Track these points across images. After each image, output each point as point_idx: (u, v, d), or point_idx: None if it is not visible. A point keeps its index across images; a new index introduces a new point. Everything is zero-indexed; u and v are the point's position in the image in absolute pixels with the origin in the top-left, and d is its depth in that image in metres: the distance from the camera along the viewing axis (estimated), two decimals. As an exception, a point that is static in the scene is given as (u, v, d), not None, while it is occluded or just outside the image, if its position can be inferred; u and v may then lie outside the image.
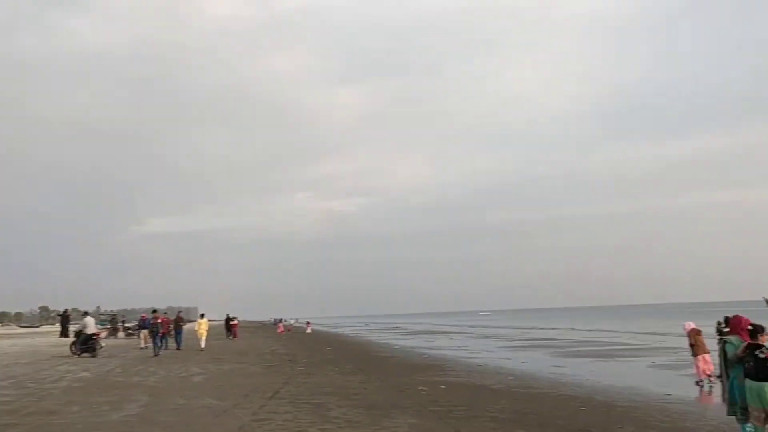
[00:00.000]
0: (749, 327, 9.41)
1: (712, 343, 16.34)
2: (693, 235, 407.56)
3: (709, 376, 17.32)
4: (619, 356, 29.28)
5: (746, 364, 9.19)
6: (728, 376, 9.79)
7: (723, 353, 10.00)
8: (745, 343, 9.35)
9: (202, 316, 37.94)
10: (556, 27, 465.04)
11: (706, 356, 17.63)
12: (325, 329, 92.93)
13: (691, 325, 18.61)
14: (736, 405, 9.57)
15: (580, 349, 35.13)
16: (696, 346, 17.96)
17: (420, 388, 16.88)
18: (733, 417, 9.71)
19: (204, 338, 34.57)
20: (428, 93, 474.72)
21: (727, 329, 18.68)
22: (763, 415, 9.01)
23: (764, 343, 9.15)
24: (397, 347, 40.69)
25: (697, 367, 17.95)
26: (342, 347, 41.21)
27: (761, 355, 8.98)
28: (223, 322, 60.93)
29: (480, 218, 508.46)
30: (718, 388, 16.83)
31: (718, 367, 17.61)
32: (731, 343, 9.73)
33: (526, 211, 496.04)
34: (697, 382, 17.82)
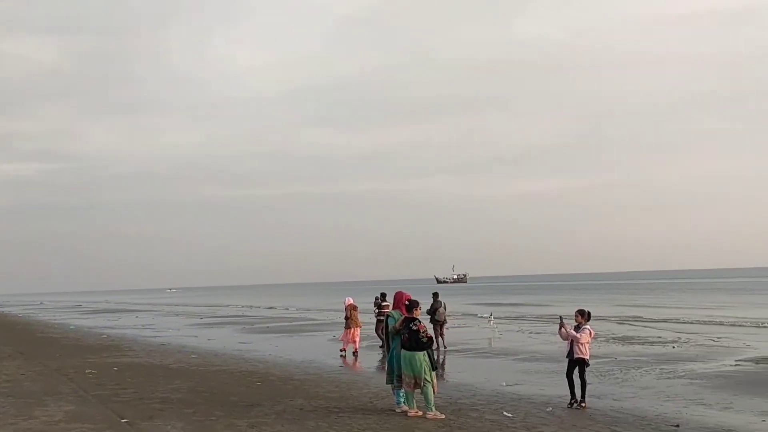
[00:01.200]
0: (407, 302, 10.26)
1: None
2: (379, 218, 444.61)
3: (356, 349, 19.53)
4: (303, 331, 30.45)
5: (403, 336, 10.02)
6: (390, 348, 10.57)
7: (386, 326, 10.76)
8: (403, 317, 10.19)
9: None
10: (269, 8, 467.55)
11: (357, 330, 19.63)
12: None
13: (350, 300, 20.43)
14: (393, 374, 10.39)
15: (269, 325, 35.83)
16: (350, 320, 19.74)
17: (88, 371, 15.48)
18: (391, 384, 10.55)
19: None
20: (126, 56, 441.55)
21: (385, 303, 20.59)
22: (413, 382, 9.92)
23: (418, 317, 10.06)
24: (72, 327, 37.19)
25: (345, 337, 19.91)
26: (3, 328, 36.39)
27: (414, 327, 9.86)
28: None
29: (183, 193, 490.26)
30: (363, 356, 19.07)
31: (365, 340, 19.91)
32: (393, 317, 10.51)
33: (230, 188, 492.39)
34: (341, 350, 19.87)
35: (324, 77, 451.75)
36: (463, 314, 38.66)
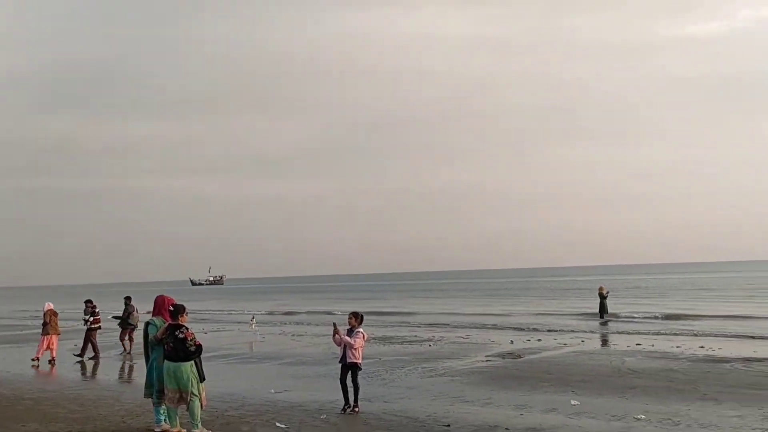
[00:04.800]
0: (171, 307, 9.15)
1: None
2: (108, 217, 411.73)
3: (53, 357, 18.48)
4: (36, 340, 26.77)
5: (166, 345, 8.90)
6: (149, 358, 9.36)
7: (146, 335, 9.52)
8: (167, 324, 9.07)
9: None
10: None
11: (54, 337, 18.75)
12: None
13: (50, 305, 19.47)
14: (153, 387, 9.21)
15: (-7, 334, 31.03)
16: (49, 326, 18.77)
17: None
18: (150, 399, 9.35)
19: None
20: None
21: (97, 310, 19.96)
22: (177, 396, 8.84)
23: (185, 324, 9.01)
24: None
25: (41, 345, 18.78)
26: None
27: (181, 335, 8.80)
28: None
29: None
30: (107, 367, 17.50)
31: (110, 349, 18.50)
32: (154, 324, 9.32)
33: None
34: (32, 360, 18.41)
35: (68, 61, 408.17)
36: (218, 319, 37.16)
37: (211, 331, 28.53)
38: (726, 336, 21.73)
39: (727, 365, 14.76)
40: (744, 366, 14.62)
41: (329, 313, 41.40)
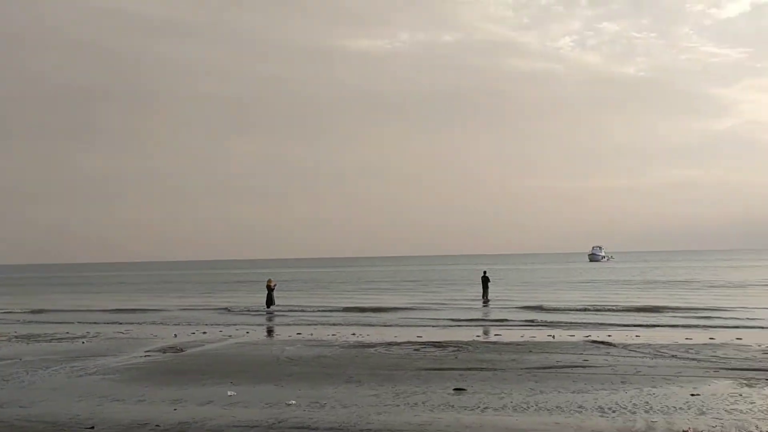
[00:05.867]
0: None
1: None
2: None
3: None
4: None
5: None
6: None
7: None
8: None
9: None
10: None
11: None
12: None
13: None
14: None
15: None
16: None
17: None
18: None
19: None
20: None
21: None
22: None
23: None
24: None
25: None
26: None
27: None
28: None
29: None
30: None
31: None
32: None
33: None
34: None
35: None
36: None
37: None
38: (372, 324, 24.06)
39: (372, 350, 16.33)
40: (385, 350, 16.33)
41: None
